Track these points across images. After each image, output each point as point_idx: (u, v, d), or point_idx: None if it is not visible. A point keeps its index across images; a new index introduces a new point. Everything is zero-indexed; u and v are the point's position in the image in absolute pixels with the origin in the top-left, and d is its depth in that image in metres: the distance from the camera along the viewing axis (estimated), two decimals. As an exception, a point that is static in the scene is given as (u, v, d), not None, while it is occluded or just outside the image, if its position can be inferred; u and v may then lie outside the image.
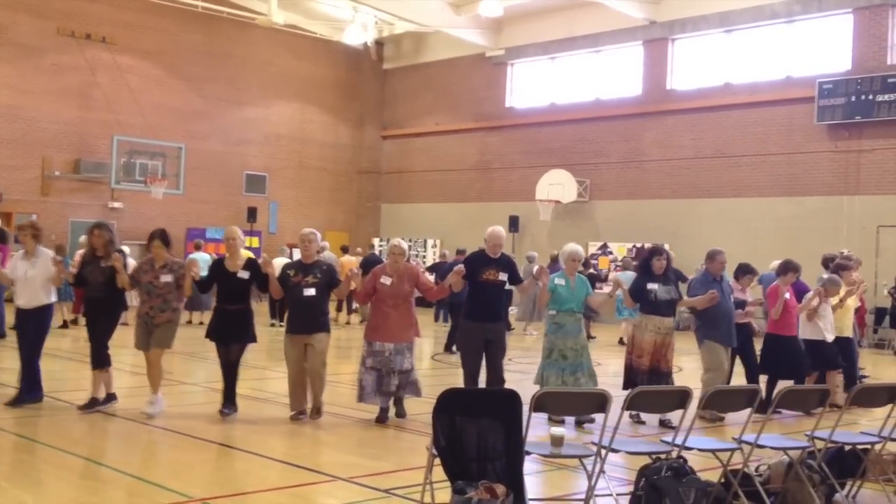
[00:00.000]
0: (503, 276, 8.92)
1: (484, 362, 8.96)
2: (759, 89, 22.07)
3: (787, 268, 10.43)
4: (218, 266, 8.97)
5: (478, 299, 8.90)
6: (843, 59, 20.93)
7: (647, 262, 9.47)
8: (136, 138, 24.26)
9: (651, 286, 9.27)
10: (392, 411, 8.82)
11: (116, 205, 24.76)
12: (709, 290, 9.52)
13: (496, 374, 8.76)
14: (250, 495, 6.22)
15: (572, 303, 9.07)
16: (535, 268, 19.39)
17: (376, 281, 8.73)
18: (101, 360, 8.79)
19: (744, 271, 10.59)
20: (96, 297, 8.86)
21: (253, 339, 8.89)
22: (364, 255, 21.41)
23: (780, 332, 10.23)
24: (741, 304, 10.24)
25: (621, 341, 18.14)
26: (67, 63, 24.15)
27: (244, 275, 8.73)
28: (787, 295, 10.25)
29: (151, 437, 7.94)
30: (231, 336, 8.80)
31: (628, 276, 18.74)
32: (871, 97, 20.07)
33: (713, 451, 6.20)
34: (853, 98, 20.29)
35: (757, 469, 6.37)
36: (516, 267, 9.23)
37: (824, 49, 21.39)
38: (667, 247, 9.63)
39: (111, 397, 8.91)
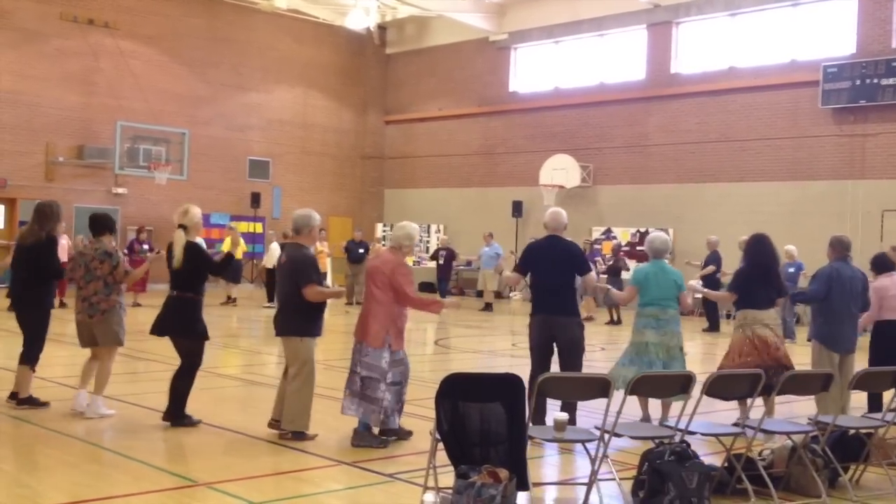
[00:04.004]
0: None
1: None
2: (764, 73, 21.98)
3: None
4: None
5: (537, 287, 7.94)
6: (848, 43, 20.82)
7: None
8: (140, 124, 24.24)
9: None
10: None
11: (120, 191, 24.76)
12: None
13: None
14: (255, 479, 6.25)
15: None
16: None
17: None
18: (30, 356, 8.18)
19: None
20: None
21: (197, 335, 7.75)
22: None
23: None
24: None
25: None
26: (70, 48, 24.09)
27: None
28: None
29: (155, 423, 7.93)
30: (168, 328, 7.72)
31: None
32: (875, 81, 19.97)
33: (716, 435, 6.21)
34: (858, 82, 20.20)
35: (760, 453, 6.38)
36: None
37: (829, 33, 21.27)
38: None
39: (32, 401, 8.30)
